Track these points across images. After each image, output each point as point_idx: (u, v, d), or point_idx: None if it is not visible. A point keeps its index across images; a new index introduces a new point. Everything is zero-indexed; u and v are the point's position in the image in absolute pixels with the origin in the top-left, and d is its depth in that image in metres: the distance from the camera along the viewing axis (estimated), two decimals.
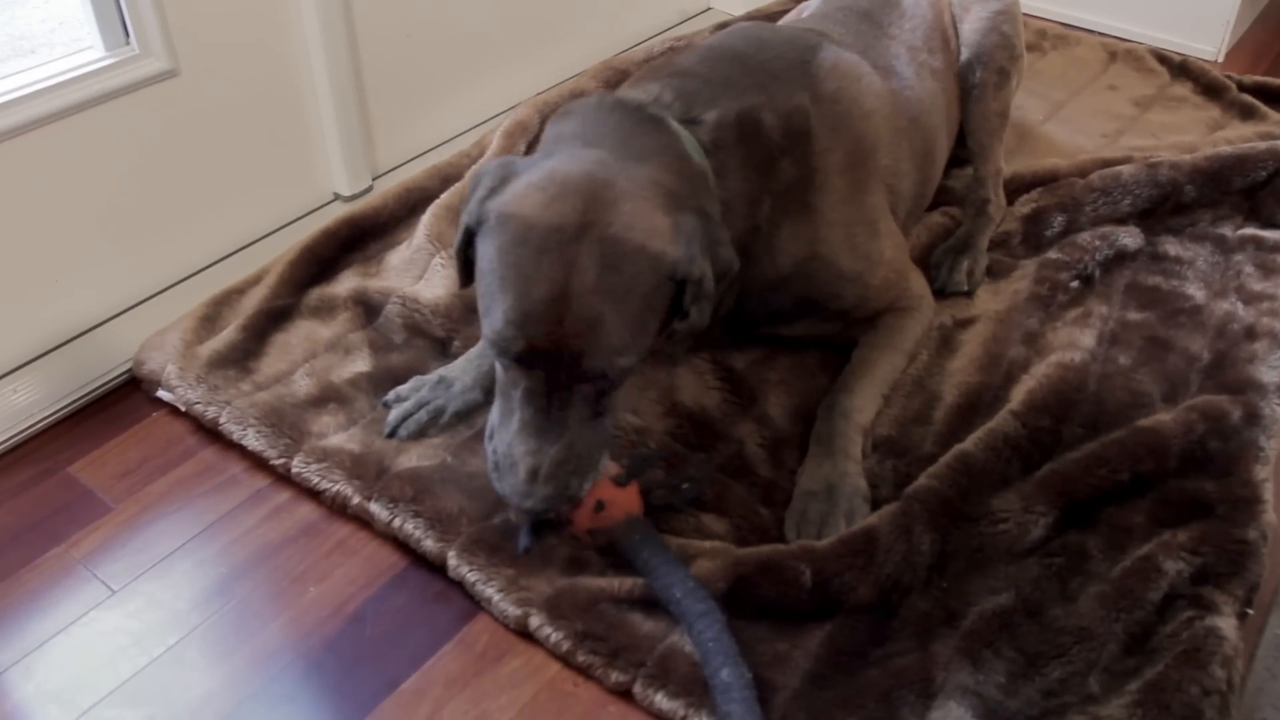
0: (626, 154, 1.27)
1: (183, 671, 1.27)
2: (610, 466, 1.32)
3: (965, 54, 1.92)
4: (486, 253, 1.23)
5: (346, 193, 1.98)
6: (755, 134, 1.44)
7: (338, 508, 1.45)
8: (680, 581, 1.24)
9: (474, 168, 1.84)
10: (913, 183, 1.75)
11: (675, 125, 1.36)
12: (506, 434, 1.25)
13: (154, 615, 1.33)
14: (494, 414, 1.29)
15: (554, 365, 1.19)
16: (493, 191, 1.24)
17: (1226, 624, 1.21)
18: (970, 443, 1.44)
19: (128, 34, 1.60)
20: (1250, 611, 1.27)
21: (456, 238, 1.28)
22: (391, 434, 1.51)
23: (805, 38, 1.66)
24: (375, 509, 1.40)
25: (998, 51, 1.91)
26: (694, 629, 1.20)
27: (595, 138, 1.31)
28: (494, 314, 1.20)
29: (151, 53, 1.61)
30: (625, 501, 1.31)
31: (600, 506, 1.29)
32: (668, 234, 1.21)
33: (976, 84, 1.92)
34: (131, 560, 1.40)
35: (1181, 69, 2.51)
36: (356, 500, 1.42)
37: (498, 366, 1.27)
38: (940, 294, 1.78)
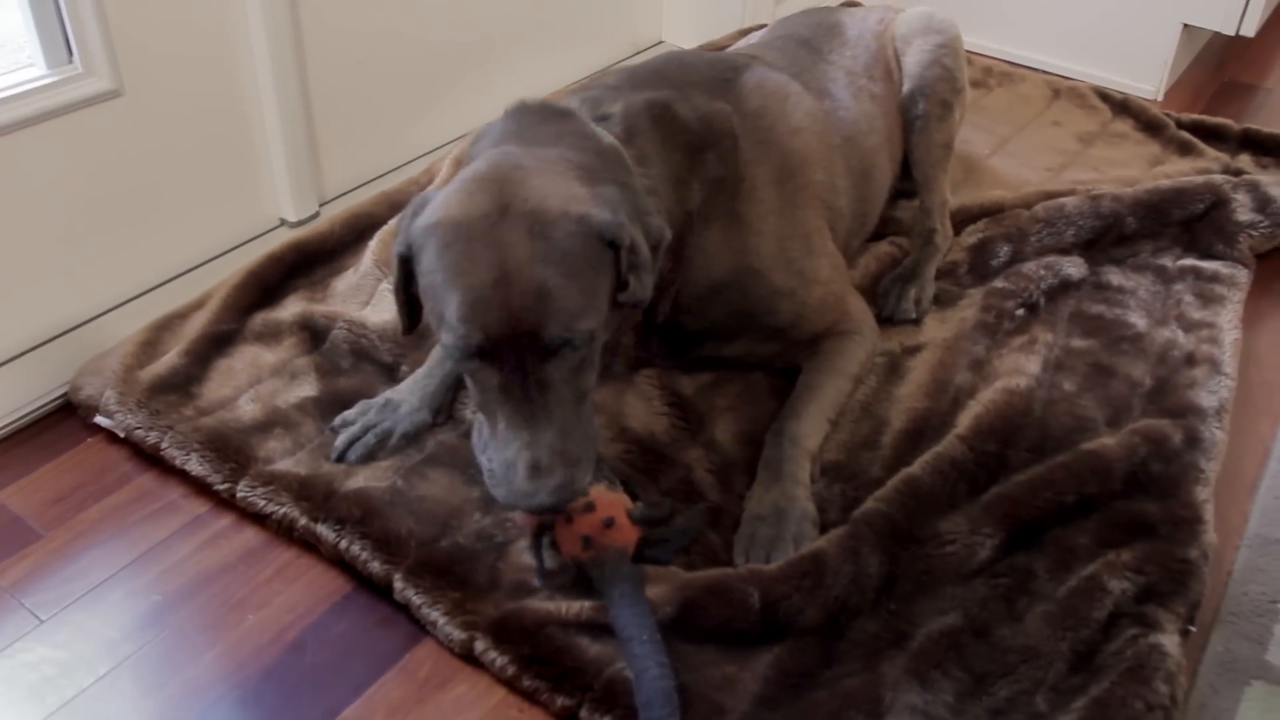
0: (532, 141, 1.31)
1: (113, 703, 1.23)
2: (624, 499, 1.29)
3: (908, 85, 1.96)
4: (424, 267, 1.23)
5: (293, 218, 1.96)
6: (669, 119, 1.46)
7: (284, 531, 1.42)
8: (644, 637, 1.19)
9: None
10: (851, 199, 1.77)
11: (583, 116, 1.39)
12: (495, 438, 1.22)
13: (83, 645, 1.29)
14: (480, 430, 1.27)
15: (517, 349, 1.18)
16: (414, 216, 1.26)
17: (1170, 641, 1.21)
18: (918, 467, 1.44)
19: (71, 52, 1.57)
20: (1193, 629, 1.29)
21: (394, 276, 1.28)
22: (339, 458, 1.49)
23: (732, 60, 1.69)
24: (323, 531, 1.38)
25: (939, 84, 1.94)
26: (641, 681, 1.16)
27: (502, 136, 1.35)
28: (446, 317, 1.19)
29: (95, 72, 1.59)
30: (626, 536, 1.28)
31: (610, 523, 1.26)
32: (587, 200, 1.23)
33: (920, 115, 1.94)
34: (61, 589, 1.36)
35: (1123, 106, 2.57)
36: (304, 522, 1.39)
37: (468, 380, 1.25)
38: (888, 322, 1.79)
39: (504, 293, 1.16)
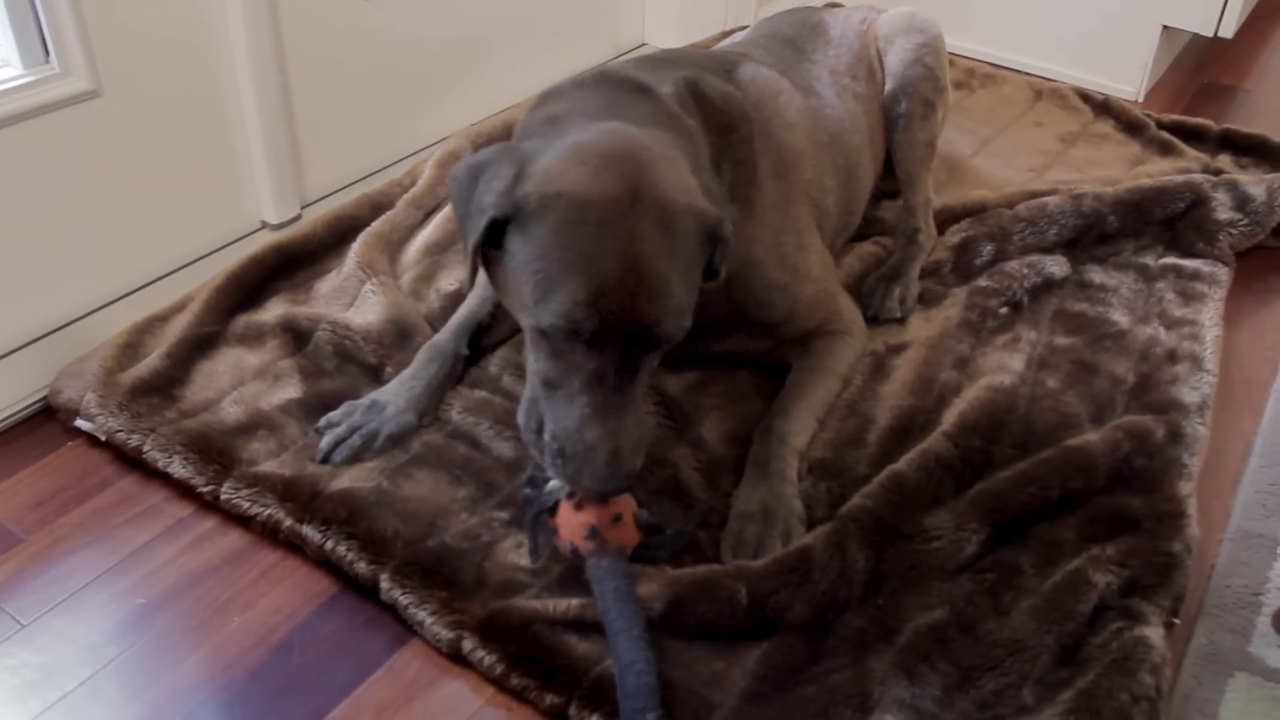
0: (633, 120, 1.29)
1: (96, 706, 1.22)
2: (632, 500, 1.28)
3: (890, 84, 1.96)
4: (537, 237, 1.18)
5: (274, 221, 1.95)
6: (703, 100, 1.47)
7: (269, 533, 1.41)
8: (635, 633, 1.18)
9: (447, 172, 1.65)
10: (837, 198, 1.78)
11: (665, 97, 1.38)
12: (572, 420, 1.19)
13: (65, 649, 1.28)
14: (544, 405, 1.23)
15: (625, 338, 1.17)
16: (518, 178, 1.20)
17: (1154, 633, 1.22)
18: (903, 463, 1.44)
19: (47, 51, 1.56)
20: (1177, 621, 1.29)
21: (476, 234, 1.22)
22: (324, 460, 1.47)
23: (725, 55, 1.71)
24: (308, 532, 1.37)
25: (922, 83, 1.95)
26: (626, 675, 1.15)
27: (595, 111, 1.32)
28: (558, 297, 1.15)
29: (72, 72, 1.58)
30: (628, 535, 1.26)
31: (618, 518, 1.24)
32: (697, 192, 1.23)
33: (902, 114, 1.95)
34: (42, 594, 1.34)
35: (1104, 107, 2.59)
36: (289, 523, 1.38)
37: (544, 355, 1.21)
38: (874, 321, 1.80)
39: (631, 283, 1.15)
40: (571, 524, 1.25)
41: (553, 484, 1.26)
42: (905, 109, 1.95)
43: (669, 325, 1.18)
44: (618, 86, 1.37)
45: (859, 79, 1.92)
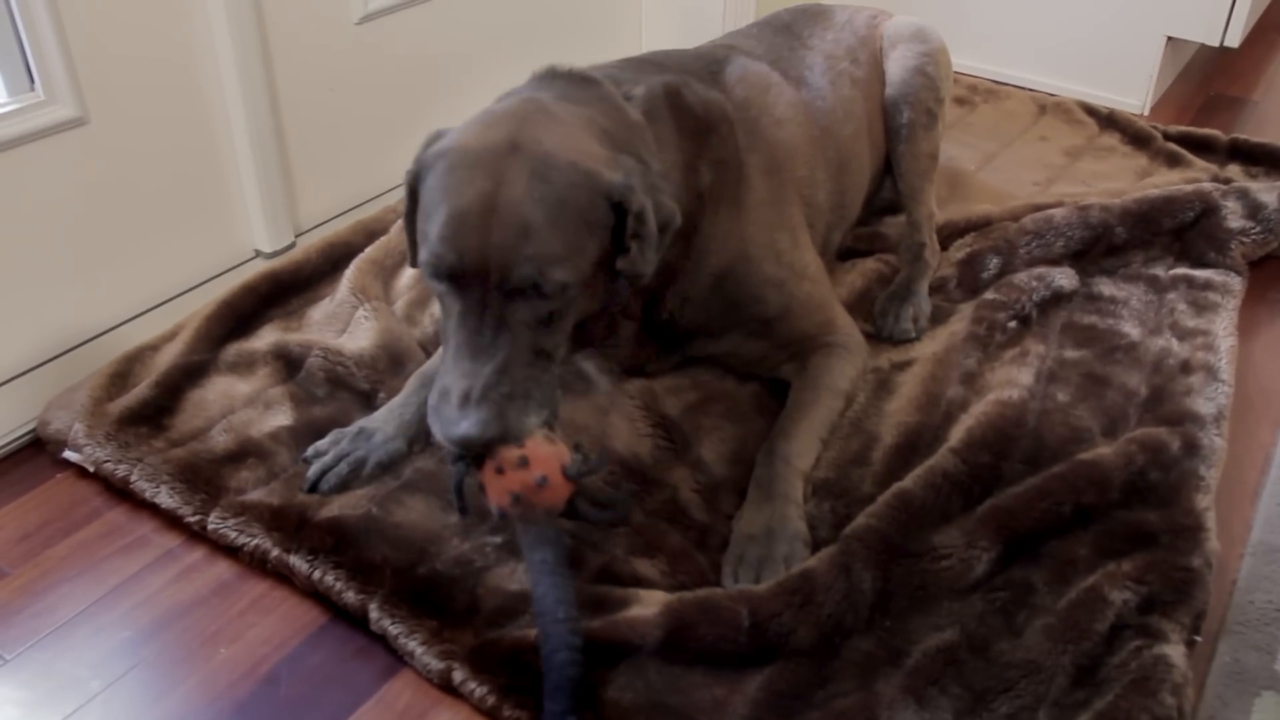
0: (565, 99, 1.33)
1: None
2: (561, 452, 1.21)
3: (890, 90, 1.94)
4: (425, 187, 1.24)
5: (268, 249, 1.92)
6: (682, 105, 1.48)
7: (256, 563, 1.38)
8: (560, 615, 1.14)
9: None
10: (828, 192, 1.75)
11: (612, 88, 1.40)
12: (442, 368, 1.21)
13: (49, 684, 1.25)
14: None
15: (485, 280, 1.17)
16: (430, 143, 1.28)
17: (1175, 652, 1.17)
18: (909, 480, 1.40)
19: (32, 79, 1.54)
20: (1198, 639, 1.25)
21: (404, 204, 1.29)
22: (312, 489, 1.44)
23: (712, 52, 1.70)
24: (295, 562, 1.33)
25: (923, 92, 1.92)
26: (549, 665, 1.12)
27: (534, 92, 1.37)
28: (429, 235, 1.19)
29: (58, 99, 1.56)
30: (557, 494, 1.20)
31: (543, 482, 1.18)
32: (604, 161, 1.24)
33: (905, 124, 1.92)
34: (27, 627, 1.31)
35: (1109, 120, 2.55)
36: (276, 553, 1.35)
37: (438, 303, 1.25)
38: (887, 341, 1.77)
39: (488, 221, 1.16)
40: (496, 487, 1.19)
41: None
42: (908, 119, 1.92)
43: (526, 269, 1.16)
44: (561, 77, 1.40)
45: (859, 63, 1.90)
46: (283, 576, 1.36)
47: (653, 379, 1.62)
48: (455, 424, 1.15)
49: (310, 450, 1.50)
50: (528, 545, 1.19)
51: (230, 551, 1.40)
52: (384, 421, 1.50)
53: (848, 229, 1.92)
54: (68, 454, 1.53)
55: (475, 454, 1.19)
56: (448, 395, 1.17)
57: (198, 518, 1.41)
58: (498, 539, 1.36)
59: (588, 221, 1.21)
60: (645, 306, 1.50)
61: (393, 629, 1.25)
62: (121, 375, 1.62)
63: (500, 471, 1.18)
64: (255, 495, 1.43)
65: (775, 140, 1.61)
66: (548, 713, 1.10)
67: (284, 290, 1.81)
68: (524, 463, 1.17)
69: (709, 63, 1.64)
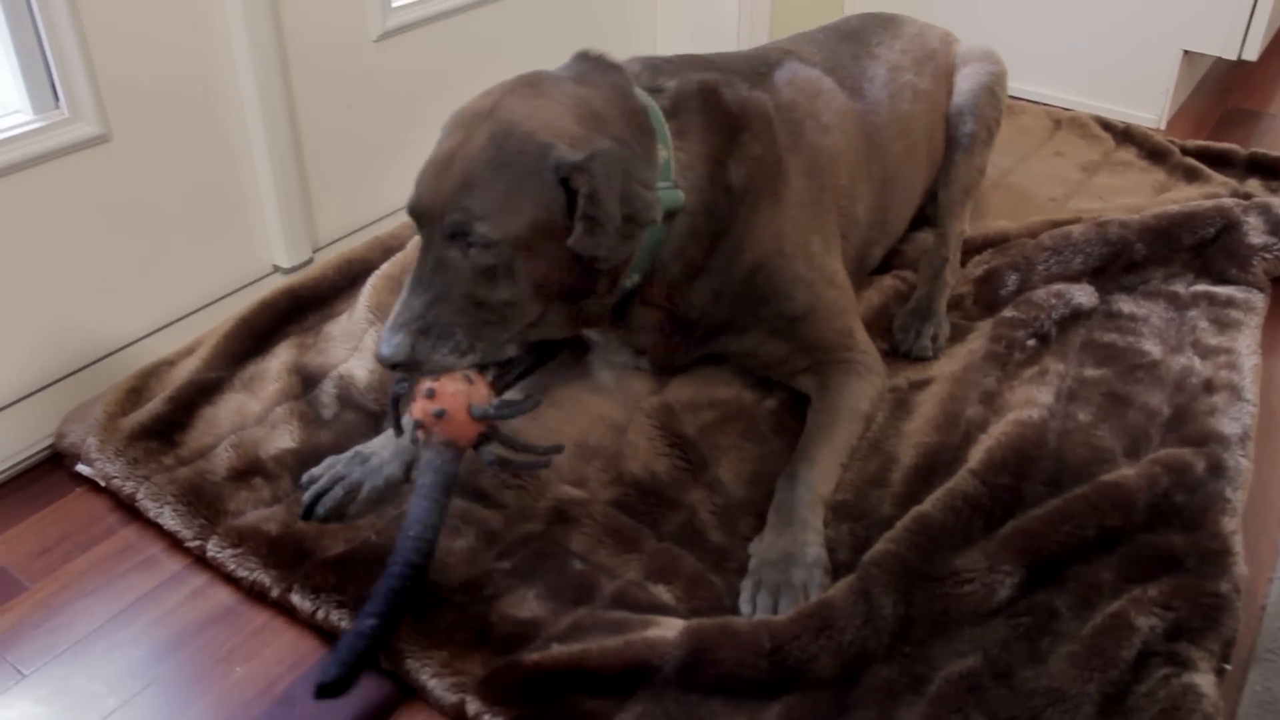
0: (575, 79, 1.40)
1: None
2: (474, 393, 1.28)
3: (957, 100, 1.96)
4: None
5: (286, 265, 1.92)
6: (716, 101, 1.51)
7: (257, 595, 1.36)
8: (412, 533, 1.22)
9: None
10: (868, 207, 1.74)
11: (629, 75, 1.45)
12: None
13: (66, 700, 1.25)
14: None
15: (432, 225, 1.29)
16: None
17: (1205, 680, 1.15)
18: (928, 504, 1.38)
19: (57, 97, 1.55)
20: (1228, 667, 1.22)
21: None
22: (306, 515, 1.42)
23: (768, 54, 1.71)
24: (296, 599, 1.32)
25: (989, 109, 1.97)
26: (386, 570, 1.20)
27: (560, 69, 1.45)
28: None
29: (82, 117, 1.56)
30: (458, 430, 1.27)
31: (441, 414, 1.26)
32: (567, 137, 1.29)
33: (968, 134, 1.96)
34: (44, 642, 1.31)
35: (1126, 135, 2.54)
36: (276, 591, 1.33)
37: None
38: (905, 357, 1.76)
39: (445, 171, 1.28)
40: (412, 411, 1.30)
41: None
42: (970, 130, 1.96)
43: (458, 216, 1.26)
44: (585, 59, 1.46)
45: (924, 75, 1.91)
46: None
47: (678, 375, 1.64)
48: (380, 344, 1.28)
49: (305, 477, 1.47)
50: (418, 468, 1.30)
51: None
52: (380, 446, 1.49)
53: (890, 244, 1.92)
54: (81, 468, 1.53)
55: (401, 377, 1.32)
56: (388, 320, 1.29)
57: (198, 543, 1.40)
58: (506, 564, 1.35)
59: (528, 191, 1.27)
60: (670, 307, 1.50)
61: (404, 664, 1.23)
62: (137, 390, 1.62)
63: (413, 400, 1.30)
64: (252, 519, 1.41)
65: (818, 145, 1.62)
66: (361, 613, 1.17)
67: (302, 307, 1.81)
68: (430, 394, 1.27)
69: (759, 64, 1.66)
